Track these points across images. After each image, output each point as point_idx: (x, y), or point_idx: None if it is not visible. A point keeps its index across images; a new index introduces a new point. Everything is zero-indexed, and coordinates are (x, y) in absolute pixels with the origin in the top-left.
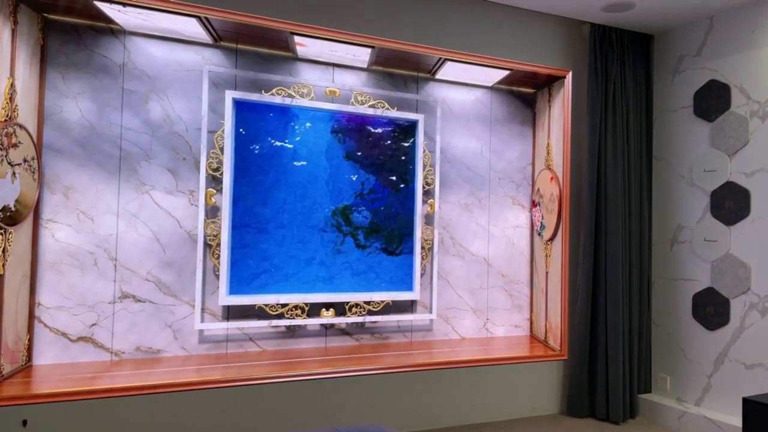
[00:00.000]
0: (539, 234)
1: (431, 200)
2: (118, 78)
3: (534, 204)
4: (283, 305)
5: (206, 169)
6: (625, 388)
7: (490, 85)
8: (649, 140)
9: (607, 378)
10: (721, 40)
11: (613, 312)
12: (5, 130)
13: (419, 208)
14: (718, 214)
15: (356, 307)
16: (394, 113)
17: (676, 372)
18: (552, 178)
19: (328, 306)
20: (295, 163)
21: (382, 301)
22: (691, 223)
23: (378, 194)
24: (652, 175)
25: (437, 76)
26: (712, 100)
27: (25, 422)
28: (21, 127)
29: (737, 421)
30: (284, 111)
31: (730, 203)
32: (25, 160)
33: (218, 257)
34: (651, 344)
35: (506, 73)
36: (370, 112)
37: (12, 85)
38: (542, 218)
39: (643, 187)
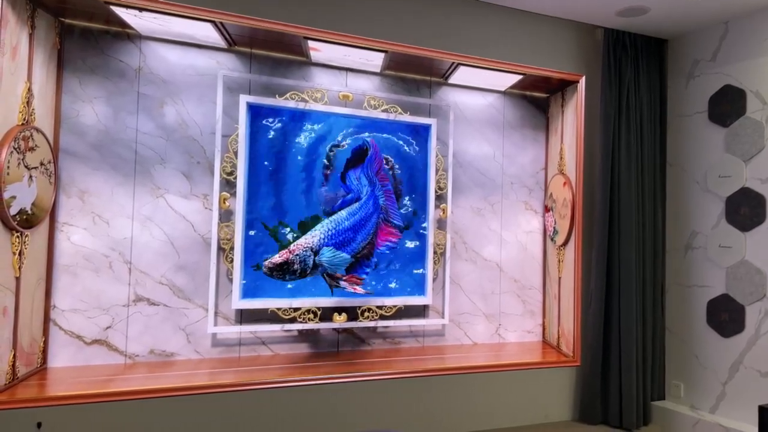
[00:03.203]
0: (552, 239)
1: (444, 205)
2: (133, 82)
3: (547, 209)
4: (296, 309)
5: (220, 173)
6: (639, 395)
7: (503, 89)
8: (663, 145)
9: (621, 384)
10: (736, 45)
11: (626, 318)
12: (22, 134)
13: (431, 213)
14: (733, 220)
15: (368, 312)
16: (406, 118)
17: (690, 379)
18: (565, 183)
19: (340, 310)
20: (308, 166)
21: (394, 306)
22: (706, 229)
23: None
24: (666, 181)
25: (450, 81)
26: (727, 106)
27: (39, 424)
28: (38, 130)
29: (753, 429)
30: (297, 115)
31: (745, 209)
32: (41, 164)
33: (232, 261)
34: (665, 351)
35: (519, 77)
36: (383, 116)
37: (29, 89)
38: (555, 223)
39: (656, 192)
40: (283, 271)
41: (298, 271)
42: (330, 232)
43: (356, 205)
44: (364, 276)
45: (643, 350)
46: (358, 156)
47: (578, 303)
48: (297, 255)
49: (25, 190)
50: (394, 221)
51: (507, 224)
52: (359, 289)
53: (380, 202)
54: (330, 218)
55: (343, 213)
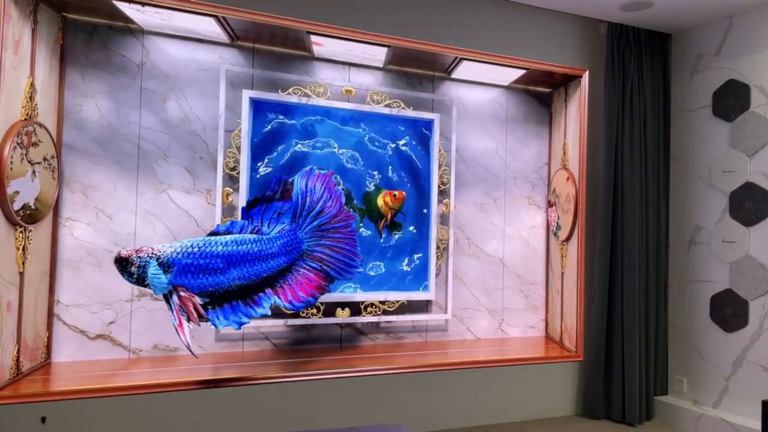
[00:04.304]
0: (555, 234)
1: (446, 200)
2: (136, 77)
3: (550, 204)
4: None
5: (223, 169)
6: (642, 390)
7: (506, 84)
8: (666, 140)
9: (623, 379)
10: (740, 39)
11: (629, 313)
12: (25, 129)
13: (434, 208)
14: (736, 215)
15: (371, 307)
16: (409, 113)
17: (693, 374)
18: (568, 178)
19: (343, 305)
20: (311, 161)
21: (397, 301)
22: (709, 224)
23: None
24: (670, 176)
25: (453, 76)
26: (731, 100)
27: (44, 419)
28: (41, 125)
29: (756, 424)
30: (300, 110)
31: (749, 204)
32: (44, 159)
33: None
34: (668, 346)
35: (522, 72)
36: (386, 111)
37: (32, 84)
38: (558, 218)
39: (660, 187)
40: (123, 267)
41: (135, 275)
42: (189, 250)
43: (250, 236)
44: (206, 314)
45: (646, 345)
46: (284, 190)
47: (581, 298)
48: (139, 257)
49: (29, 185)
50: (333, 272)
51: (510, 219)
52: (193, 319)
53: (303, 247)
54: (207, 237)
55: (226, 237)
